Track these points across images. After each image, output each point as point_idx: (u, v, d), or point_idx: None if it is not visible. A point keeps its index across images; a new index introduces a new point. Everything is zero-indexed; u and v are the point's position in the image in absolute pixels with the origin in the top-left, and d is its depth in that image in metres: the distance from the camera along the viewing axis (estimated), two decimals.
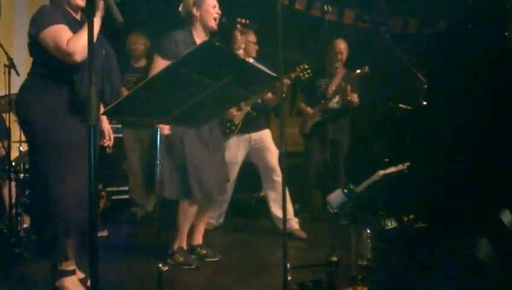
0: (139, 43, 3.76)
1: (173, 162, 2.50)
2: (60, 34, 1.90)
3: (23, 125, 2.08)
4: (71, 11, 2.06)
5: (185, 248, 2.64)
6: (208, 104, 1.58)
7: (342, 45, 3.63)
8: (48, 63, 1.97)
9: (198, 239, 2.75)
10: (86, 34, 1.86)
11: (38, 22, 1.95)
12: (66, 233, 1.95)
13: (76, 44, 1.87)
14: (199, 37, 2.54)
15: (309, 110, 3.64)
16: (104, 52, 2.07)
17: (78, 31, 1.94)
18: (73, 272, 2.03)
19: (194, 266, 2.54)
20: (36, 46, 1.99)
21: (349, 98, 3.49)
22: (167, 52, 2.43)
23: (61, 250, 1.96)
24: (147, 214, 3.74)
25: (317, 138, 3.63)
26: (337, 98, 3.62)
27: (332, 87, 3.62)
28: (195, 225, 2.72)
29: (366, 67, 3.43)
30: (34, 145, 2.07)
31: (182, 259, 2.56)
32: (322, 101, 3.58)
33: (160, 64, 2.41)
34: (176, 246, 2.60)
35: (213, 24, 2.52)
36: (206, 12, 2.50)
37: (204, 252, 2.70)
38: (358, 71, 3.45)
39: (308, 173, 3.78)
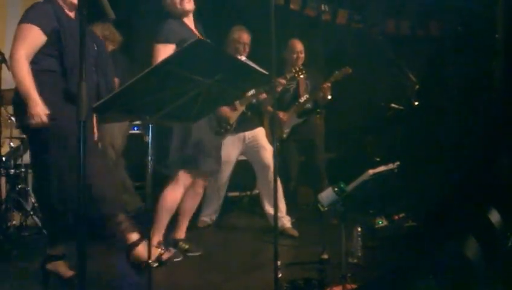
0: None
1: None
2: (26, 36, 1.91)
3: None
4: (65, 8, 2.06)
5: (162, 240, 2.56)
6: (200, 101, 1.58)
7: (299, 45, 3.55)
8: (36, 55, 1.96)
9: (181, 233, 2.72)
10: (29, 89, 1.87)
11: (24, 14, 1.99)
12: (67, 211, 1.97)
13: (19, 67, 1.88)
14: (190, 24, 2.53)
15: (282, 115, 3.47)
16: (95, 47, 2.08)
17: (69, 28, 1.95)
18: (63, 257, 2.11)
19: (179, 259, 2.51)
20: None
21: (329, 97, 3.39)
22: (169, 38, 2.39)
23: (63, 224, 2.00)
24: None
25: (293, 140, 3.55)
26: (305, 97, 3.52)
27: (303, 87, 3.54)
28: (180, 219, 2.70)
29: (348, 67, 3.35)
30: (38, 136, 2.03)
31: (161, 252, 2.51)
32: (297, 103, 3.50)
33: (164, 51, 2.36)
34: (155, 240, 2.51)
35: (185, 5, 2.46)
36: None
37: (186, 246, 2.68)
38: (338, 72, 3.36)
39: (290, 177, 3.59)
